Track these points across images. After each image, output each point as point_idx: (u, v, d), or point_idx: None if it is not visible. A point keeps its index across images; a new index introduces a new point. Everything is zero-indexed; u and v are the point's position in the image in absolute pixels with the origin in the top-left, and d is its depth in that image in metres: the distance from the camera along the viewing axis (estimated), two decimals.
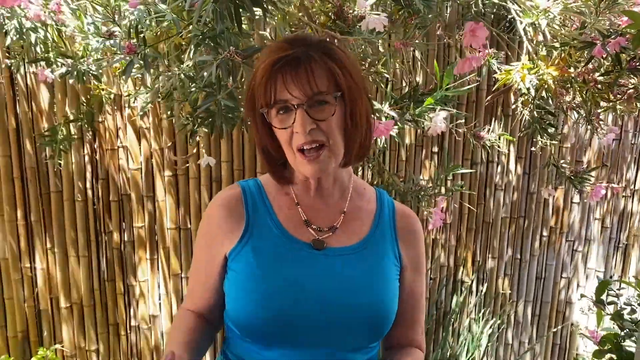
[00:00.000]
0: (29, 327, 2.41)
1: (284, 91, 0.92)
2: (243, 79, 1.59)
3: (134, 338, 2.50)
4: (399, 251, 1.08)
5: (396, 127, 1.82)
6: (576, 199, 2.71)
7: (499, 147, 2.57)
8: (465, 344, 2.70)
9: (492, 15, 2.34)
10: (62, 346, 2.43)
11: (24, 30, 1.59)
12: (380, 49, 1.72)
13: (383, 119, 1.79)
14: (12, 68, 1.98)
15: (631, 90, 1.79)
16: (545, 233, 2.74)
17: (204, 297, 1.09)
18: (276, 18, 1.77)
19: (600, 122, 1.94)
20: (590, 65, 1.95)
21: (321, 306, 0.97)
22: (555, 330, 2.80)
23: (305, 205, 1.06)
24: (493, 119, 2.56)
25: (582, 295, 2.06)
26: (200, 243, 1.09)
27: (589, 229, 2.78)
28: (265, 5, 1.44)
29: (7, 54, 2.10)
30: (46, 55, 1.67)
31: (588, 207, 2.75)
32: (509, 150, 2.60)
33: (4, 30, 1.63)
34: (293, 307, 0.97)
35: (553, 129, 1.99)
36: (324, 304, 0.98)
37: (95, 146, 2.32)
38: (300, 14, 1.78)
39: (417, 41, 1.81)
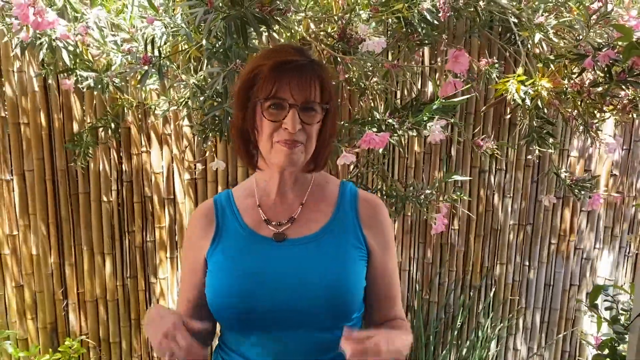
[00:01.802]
0: (57, 319, 2.58)
1: (286, 91, 1.05)
2: None
3: None
4: (363, 235, 1.17)
5: (396, 135, 1.92)
6: (585, 207, 2.74)
7: (501, 155, 2.65)
8: (473, 348, 2.76)
9: (500, 28, 2.43)
10: (87, 338, 2.60)
11: (54, 46, 1.76)
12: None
13: (383, 127, 1.90)
14: (44, 76, 2.16)
15: (626, 101, 1.85)
16: (553, 241, 2.78)
17: (190, 298, 1.21)
18: (284, 36, 1.90)
19: (599, 132, 2.00)
20: (591, 77, 2.02)
21: (281, 290, 1.09)
22: (560, 336, 2.83)
23: (267, 205, 1.19)
24: (500, 129, 2.62)
25: (577, 301, 2.11)
26: (185, 251, 1.24)
27: (597, 237, 2.81)
28: (269, 23, 1.57)
29: (41, 66, 2.28)
30: (73, 67, 1.83)
31: (597, 215, 2.78)
32: (516, 158, 2.66)
33: (35, 48, 1.81)
34: (255, 293, 1.09)
35: (552, 138, 2.05)
36: (284, 288, 1.09)
37: (121, 151, 2.48)
38: (306, 33, 1.90)
39: (411, 61, 1.92)
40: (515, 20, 1.96)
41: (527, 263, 2.80)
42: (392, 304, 1.24)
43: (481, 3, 1.95)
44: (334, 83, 1.64)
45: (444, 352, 2.76)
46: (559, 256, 2.80)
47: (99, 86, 1.82)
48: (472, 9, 2.05)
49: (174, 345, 0.97)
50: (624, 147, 2.69)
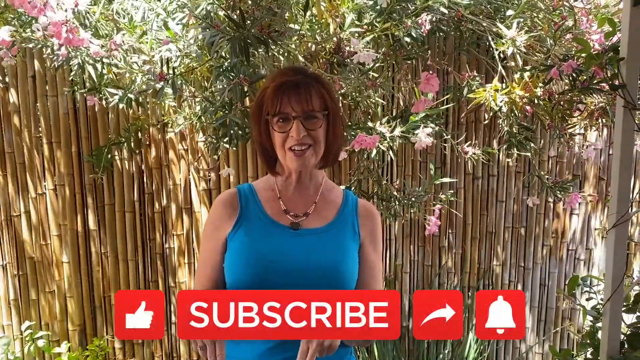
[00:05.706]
0: (86, 321, 2.82)
1: (288, 106, 1.28)
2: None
3: (173, 334, 2.86)
4: (358, 229, 1.40)
5: (385, 142, 2.14)
6: (576, 210, 2.91)
7: (490, 161, 2.83)
8: (472, 347, 2.91)
9: (487, 44, 2.64)
10: (113, 338, 2.82)
11: (85, 66, 2.02)
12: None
13: (374, 133, 2.11)
14: (73, 99, 2.44)
15: (593, 107, 2.04)
16: (547, 242, 2.94)
17: (211, 277, 1.39)
18: (283, 55, 2.15)
19: (574, 137, 2.19)
20: (566, 86, 2.22)
21: (293, 267, 1.30)
22: (557, 331, 2.98)
23: (286, 198, 1.40)
24: (490, 137, 2.82)
25: (558, 291, 2.26)
26: (207, 231, 1.42)
27: (590, 238, 2.97)
28: (268, 44, 1.82)
29: (70, 84, 2.56)
30: (99, 85, 2.10)
31: (588, 217, 2.94)
32: (507, 165, 2.85)
33: (69, 65, 2.07)
34: (271, 268, 1.30)
35: (531, 143, 2.24)
36: (295, 266, 1.30)
37: (142, 165, 2.74)
38: (304, 52, 2.15)
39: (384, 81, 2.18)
40: (496, 37, 2.18)
41: (522, 264, 2.96)
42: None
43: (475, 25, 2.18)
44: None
45: (445, 350, 2.92)
46: (553, 257, 2.96)
47: (124, 102, 2.08)
48: (457, 32, 2.28)
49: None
50: (610, 153, 2.87)
